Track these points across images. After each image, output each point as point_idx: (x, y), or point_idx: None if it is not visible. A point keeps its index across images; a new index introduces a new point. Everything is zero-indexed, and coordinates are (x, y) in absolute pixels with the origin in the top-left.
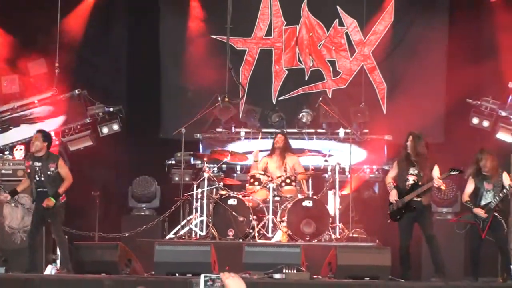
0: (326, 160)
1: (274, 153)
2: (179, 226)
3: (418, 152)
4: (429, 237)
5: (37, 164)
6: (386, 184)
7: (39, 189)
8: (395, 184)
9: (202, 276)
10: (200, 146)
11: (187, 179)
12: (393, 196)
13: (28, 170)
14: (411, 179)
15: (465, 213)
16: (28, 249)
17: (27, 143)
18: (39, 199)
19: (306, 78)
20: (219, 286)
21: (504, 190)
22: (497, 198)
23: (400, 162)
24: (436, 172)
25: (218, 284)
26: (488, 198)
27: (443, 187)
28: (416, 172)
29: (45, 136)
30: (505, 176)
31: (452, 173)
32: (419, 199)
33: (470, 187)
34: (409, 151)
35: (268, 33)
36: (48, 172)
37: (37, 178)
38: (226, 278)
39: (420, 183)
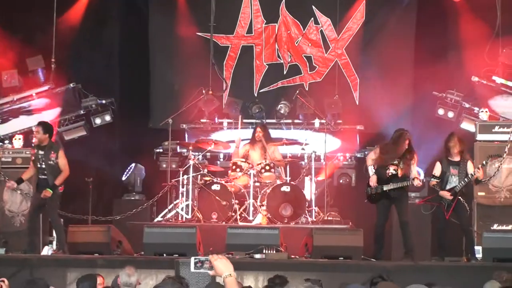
0: (302, 149)
1: (255, 143)
2: (166, 210)
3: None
4: (403, 223)
5: (40, 152)
6: (366, 164)
7: (40, 176)
8: (375, 168)
9: (192, 258)
10: (186, 136)
11: (174, 166)
12: (373, 181)
13: (33, 158)
14: (392, 169)
15: (430, 197)
16: (27, 231)
17: (25, 133)
18: (40, 185)
19: (285, 72)
20: (208, 267)
21: (469, 176)
22: (462, 182)
23: (384, 153)
24: (414, 169)
25: (207, 265)
26: (453, 182)
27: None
28: (396, 163)
29: (46, 127)
30: (469, 165)
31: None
32: (398, 185)
33: (437, 170)
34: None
35: (249, 30)
36: (49, 162)
37: (39, 166)
38: (215, 260)
39: (399, 175)
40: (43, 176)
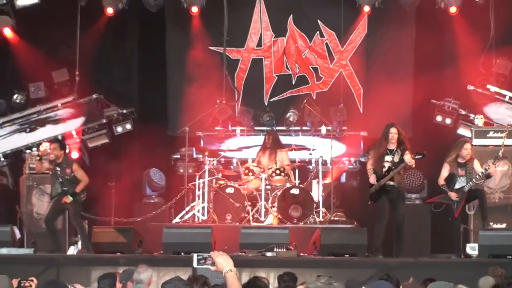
0: (310, 154)
1: (266, 149)
2: (184, 212)
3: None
4: (399, 224)
5: (58, 168)
6: (367, 171)
7: (63, 188)
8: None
9: (195, 255)
10: (202, 142)
11: (190, 171)
12: (372, 179)
13: (51, 173)
14: (386, 165)
15: (440, 196)
16: (48, 233)
17: (52, 141)
18: (61, 195)
19: (293, 83)
20: (210, 263)
21: (477, 176)
22: (470, 183)
23: (377, 152)
24: (407, 155)
25: (209, 261)
26: (461, 182)
27: (413, 165)
28: (391, 159)
29: (61, 144)
30: (476, 164)
31: (416, 157)
32: (392, 182)
33: (445, 171)
34: (391, 140)
35: (259, 44)
36: (66, 176)
37: (59, 180)
38: (216, 256)
39: (393, 168)
40: (64, 188)
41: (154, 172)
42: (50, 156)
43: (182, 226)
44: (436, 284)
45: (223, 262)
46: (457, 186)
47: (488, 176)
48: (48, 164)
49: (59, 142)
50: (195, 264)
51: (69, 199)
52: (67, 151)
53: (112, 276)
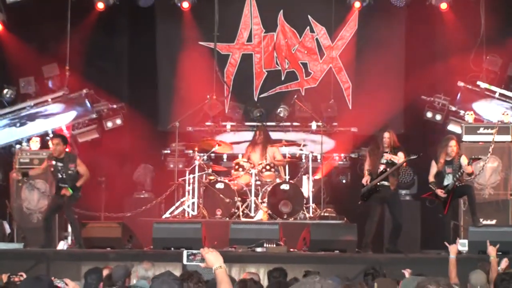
0: (301, 149)
1: (256, 145)
2: (174, 207)
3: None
4: (399, 225)
5: (59, 164)
6: (363, 171)
7: (60, 184)
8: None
9: (185, 251)
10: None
11: (180, 166)
12: (365, 180)
13: (52, 169)
14: (381, 168)
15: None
16: (43, 228)
17: (42, 135)
18: (60, 191)
19: (283, 78)
20: (199, 259)
21: (457, 175)
22: (454, 179)
23: (372, 153)
24: (401, 156)
25: (199, 257)
26: (449, 179)
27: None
28: (385, 161)
29: (64, 139)
30: (463, 159)
31: (411, 157)
32: (387, 183)
33: (434, 169)
34: (384, 144)
35: (249, 39)
36: (69, 171)
37: (60, 176)
38: (206, 253)
39: (387, 170)
40: (64, 185)
41: (144, 168)
42: (53, 152)
43: (172, 221)
44: (406, 280)
45: (213, 258)
46: (445, 183)
47: (469, 175)
48: (47, 162)
49: (62, 137)
50: (185, 261)
51: (69, 191)
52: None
53: (98, 270)
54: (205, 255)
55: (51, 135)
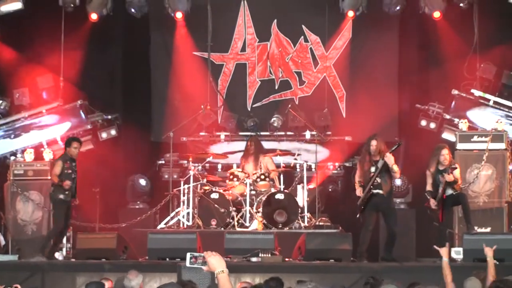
0: (295, 159)
1: (249, 156)
2: (168, 217)
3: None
4: (394, 233)
5: (73, 164)
6: (354, 183)
7: (73, 185)
8: (362, 183)
9: (188, 254)
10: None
11: (175, 176)
12: (358, 192)
13: (70, 171)
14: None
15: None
16: (53, 242)
17: (36, 147)
18: (72, 193)
19: (276, 87)
20: (201, 262)
21: (440, 184)
22: (439, 189)
23: (361, 163)
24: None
25: (201, 260)
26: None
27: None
28: (375, 170)
29: (80, 141)
30: (456, 172)
31: (392, 148)
32: (381, 191)
33: (429, 179)
34: (371, 152)
35: (243, 49)
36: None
37: (74, 176)
38: (208, 256)
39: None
40: (75, 185)
41: (139, 178)
42: (73, 154)
43: (167, 231)
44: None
45: (215, 262)
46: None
47: (450, 183)
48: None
49: (77, 139)
50: (187, 263)
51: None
52: None
53: (100, 285)
54: (208, 259)
55: (46, 147)
